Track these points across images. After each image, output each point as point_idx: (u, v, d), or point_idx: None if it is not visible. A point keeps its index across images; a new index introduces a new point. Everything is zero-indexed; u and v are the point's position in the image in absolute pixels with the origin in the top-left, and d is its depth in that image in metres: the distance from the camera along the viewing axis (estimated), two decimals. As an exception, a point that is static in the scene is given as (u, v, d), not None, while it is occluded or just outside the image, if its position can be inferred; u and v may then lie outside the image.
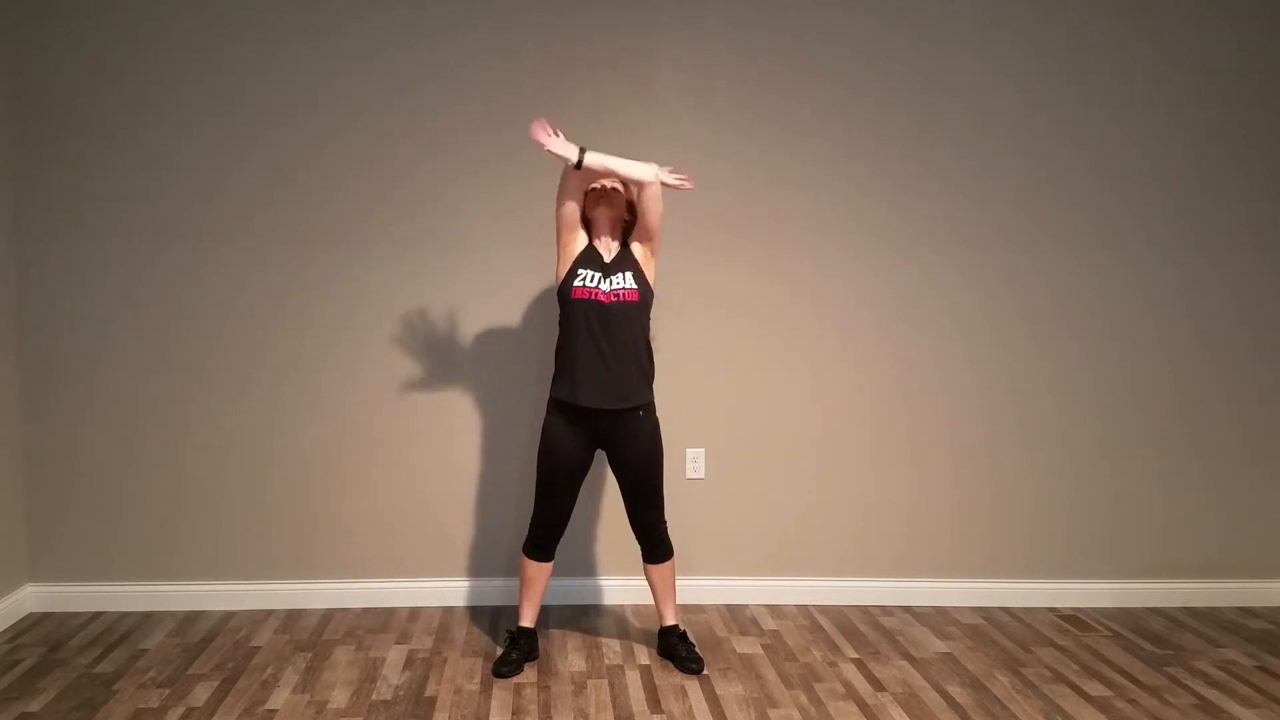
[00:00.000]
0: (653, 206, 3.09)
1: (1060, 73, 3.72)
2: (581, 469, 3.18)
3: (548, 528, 3.19)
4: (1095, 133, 3.74)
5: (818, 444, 3.80)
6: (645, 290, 3.14)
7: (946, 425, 3.81)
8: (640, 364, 3.13)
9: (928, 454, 3.82)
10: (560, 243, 3.15)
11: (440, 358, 3.69)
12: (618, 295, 3.08)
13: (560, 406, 3.13)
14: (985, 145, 3.73)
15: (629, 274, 3.11)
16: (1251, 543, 3.89)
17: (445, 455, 3.72)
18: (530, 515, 3.25)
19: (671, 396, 3.70)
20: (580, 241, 3.16)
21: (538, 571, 3.23)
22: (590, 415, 3.10)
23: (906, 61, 3.69)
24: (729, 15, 3.64)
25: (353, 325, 3.66)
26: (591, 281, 3.08)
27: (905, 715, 2.90)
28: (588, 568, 3.81)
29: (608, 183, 3.16)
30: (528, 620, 3.26)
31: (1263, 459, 3.87)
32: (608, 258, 3.15)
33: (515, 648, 3.20)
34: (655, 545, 3.24)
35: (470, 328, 3.69)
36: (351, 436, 3.69)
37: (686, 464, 3.77)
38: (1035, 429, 3.82)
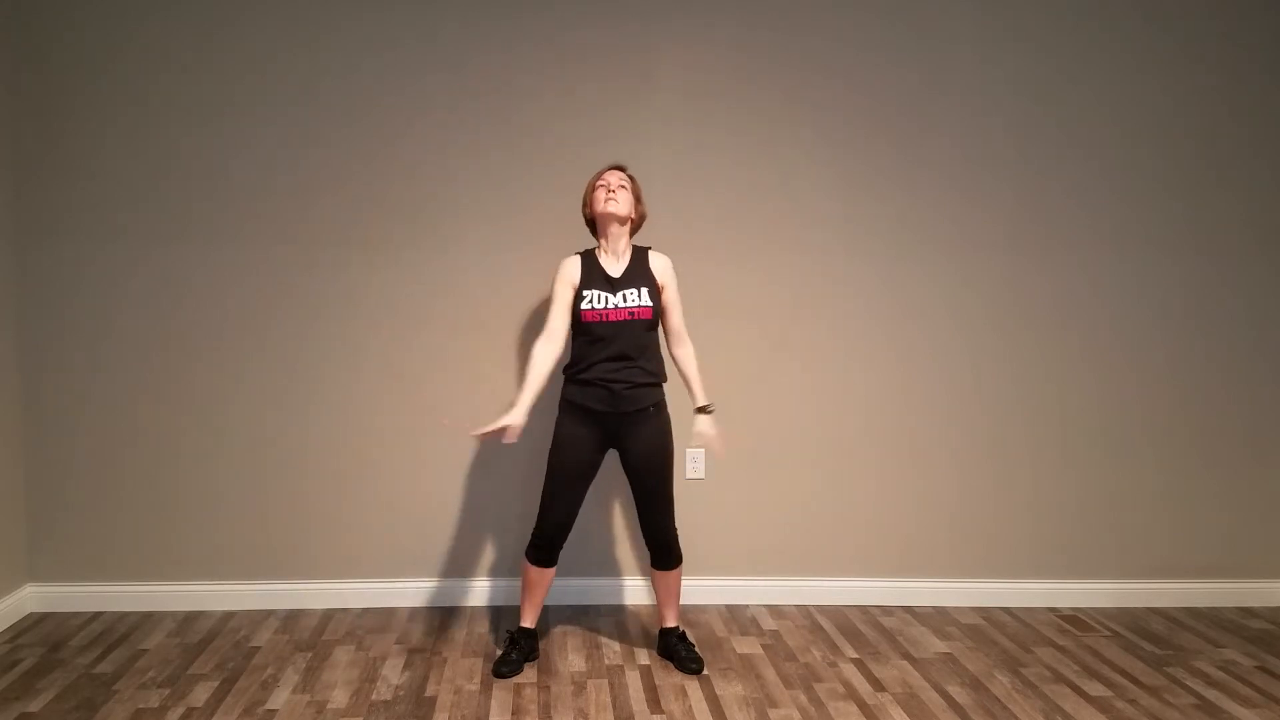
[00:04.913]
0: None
1: (1060, 73, 3.72)
2: (592, 469, 3.15)
3: (552, 531, 3.14)
4: (1095, 133, 3.74)
5: (818, 444, 3.80)
6: (658, 305, 3.11)
7: (947, 425, 3.81)
8: (652, 367, 3.12)
9: (928, 454, 3.82)
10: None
11: (441, 357, 3.69)
12: (632, 313, 3.03)
13: (572, 407, 3.12)
14: (985, 145, 3.73)
15: (644, 290, 3.06)
16: (1251, 543, 3.90)
17: (446, 455, 3.72)
18: (533, 519, 3.24)
19: (671, 397, 3.70)
20: (575, 275, 3.08)
21: (540, 576, 3.20)
22: (603, 416, 3.09)
23: (906, 61, 3.69)
24: (729, 15, 3.64)
25: (353, 325, 3.66)
26: (599, 303, 3.03)
27: (905, 715, 2.90)
28: (588, 568, 3.81)
29: (612, 179, 3.11)
30: (528, 621, 3.26)
31: (1263, 459, 3.87)
32: (616, 270, 3.10)
33: (515, 648, 3.20)
34: (666, 549, 3.19)
35: (471, 327, 3.69)
36: (352, 436, 3.69)
37: (686, 464, 3.77)
38: (1035, 429, 3.82)
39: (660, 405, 3.16)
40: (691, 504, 3.75)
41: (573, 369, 3.13)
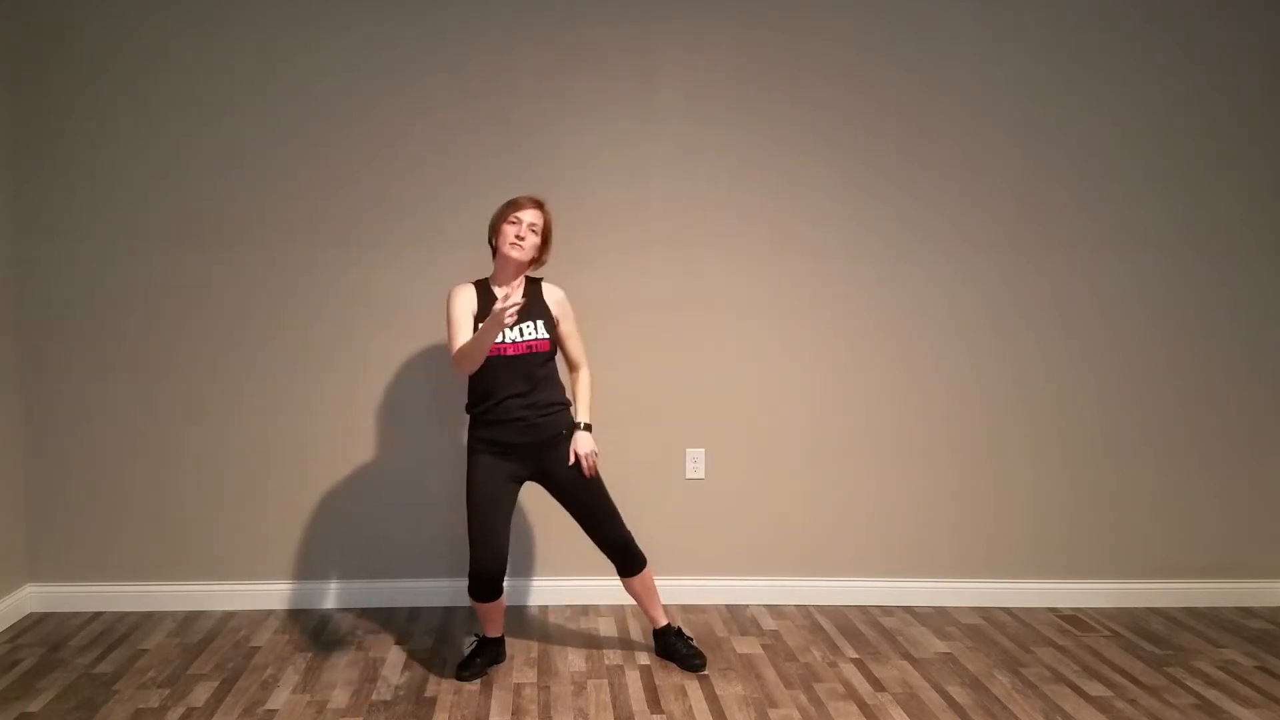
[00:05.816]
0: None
1: (1060, 73, 3.72)
2: (513, 502, 3.07)
3: (491, 568, 3.00)
4: (1095, 133, 3.74)
5: (818, 444, 3.80)
6: (554, 337, 3.06)
7: (947, 425, 3.81)
8: (558, 395, 3.09)
9: (928, 454, 3.82)
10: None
11: (441, 358, 3.69)
12: (530, 346, 2.98)
13: (488, 445, 3.02)
14: (985, 145, 3.73)
15: (540, 323, 3.01)
16: (1251, 543, 3.89)
17: (445, 455, 3.72)
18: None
19: (671, 396, 3.70)
20: (474, 304, 2.99)
21: (490, 607, 3.12)
22: (521, 448, 3.03)
23: (906, 61, 3.69)
24: (729, 15, 3.64)
25: (353, 325, 3.66)
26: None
27: (905, 715, 2.90)
28: (588, 568, 3.80)
29: (525, 218, 2.99)
30: (493, 633, 3.21)
31: (1263, 459, 3.87)
32: None
33: (481, 653, 3.18)
34: (627, 555, 3.15)
35: (470, 328, 3.69)
36: (351, 436, 3.69)
37: (686, 464, 3.77)
38: (1035, 429, 3.82)
39: (571, 427, 3.10)
40: (691, 504, 3.75)
41: (479, 408, 3.03)
